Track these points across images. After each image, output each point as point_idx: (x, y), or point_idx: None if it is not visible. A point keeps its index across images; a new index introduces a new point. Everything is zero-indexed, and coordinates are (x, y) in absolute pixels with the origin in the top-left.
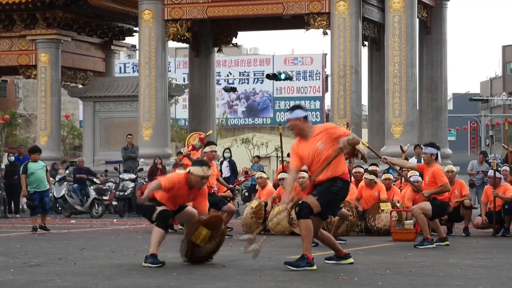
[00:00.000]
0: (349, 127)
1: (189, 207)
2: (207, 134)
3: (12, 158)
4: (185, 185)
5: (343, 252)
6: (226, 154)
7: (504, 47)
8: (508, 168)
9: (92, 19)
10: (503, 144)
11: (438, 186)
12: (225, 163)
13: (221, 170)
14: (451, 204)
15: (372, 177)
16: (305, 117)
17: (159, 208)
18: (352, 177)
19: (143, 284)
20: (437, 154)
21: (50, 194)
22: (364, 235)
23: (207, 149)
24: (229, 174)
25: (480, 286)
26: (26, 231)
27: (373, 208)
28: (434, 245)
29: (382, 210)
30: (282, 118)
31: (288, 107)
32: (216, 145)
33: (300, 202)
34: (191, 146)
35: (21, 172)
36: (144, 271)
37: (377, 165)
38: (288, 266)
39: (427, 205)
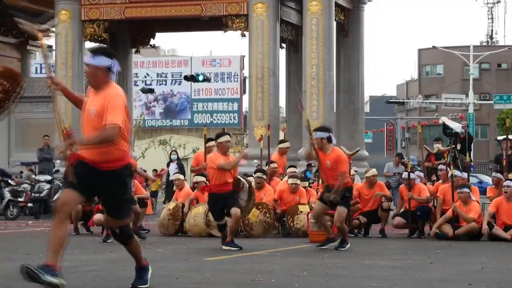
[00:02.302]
0: (270, 129)
1: None
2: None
3: None
4: None
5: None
6: (173, 156)
7: (420, 50)
8: (444, 167)
9: (8, 19)
10: (424, 146)
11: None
12: (173, 165)
13: (168, 173)
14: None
15: (296, 180)
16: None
17: None
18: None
19: None
20: (328, 137)
21: None
22: (281, 237)
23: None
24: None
25: (396, 287)
26: None
27: (292, 209)
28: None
29: (301, 212)
30: (200, 120)
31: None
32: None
33: None
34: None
35: None
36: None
37: (295, 167)
38: None
39: (342, 211)
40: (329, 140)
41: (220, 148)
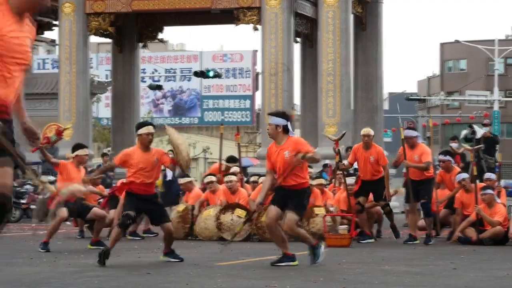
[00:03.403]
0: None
1: None
2: (66, 127)
3: None
4: None
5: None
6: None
7: (442, 45)
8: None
9: None
10: (450, 145)
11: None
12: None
13: (165, 174)
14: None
15: (311, 182)
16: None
17: None
18: None
19: None
20: (285, 126)
21: None
22: (297, 241)
23: (80, 152)
24: (172, 178)
25: None
26: None
27: (307, 212)
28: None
29: (317, 215)
30: (210, 118)
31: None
32: (87, 147)
33: None
34: (46, 139)
35: None
36: (63, 278)
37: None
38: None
39: (292, 217)
40: (285, 129)
41: (140, 141)
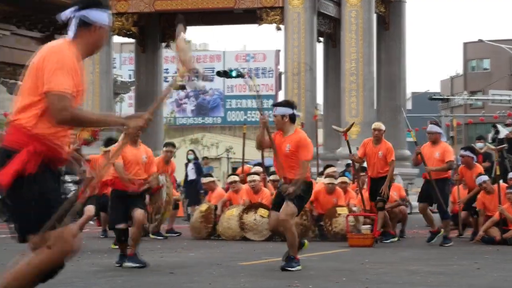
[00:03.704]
0: (304, 127)
1: None
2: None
3: None
4: None
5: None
6: (190, 156)
7: (465, 44)
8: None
9: (33, 12)
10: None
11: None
12: (190, 165)
13: (186, 173)
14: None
15: (332, 180)
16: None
17: None
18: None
19: None
20: (292, 115)
21: None
22: (319, 241)
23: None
24: (194, 177)
25: None
26: None
27: (329, 212)
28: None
29: (339, 214)
30: (233, 118)
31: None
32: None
33: None
34: (82, 140)
35: None
36: (87, 277)
37: (333, 166)
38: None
39: (290, 208)
40: (292, 118)
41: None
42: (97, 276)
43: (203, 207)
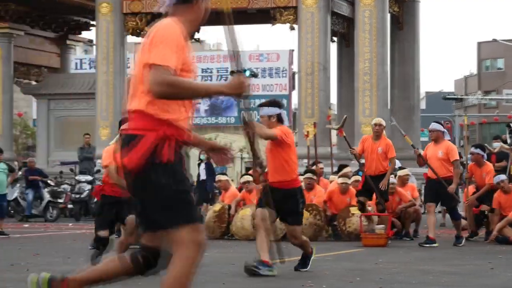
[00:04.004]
0: (316, 127)
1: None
2: None
3: None
4: None
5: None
6: (202, 156)
7: (479, 44)
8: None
9: (47, 12)
10: (485, 144)
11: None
12: (202, 165)
13: (199, 173)
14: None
15: (346, 180)
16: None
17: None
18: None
19: None
20: (279, 115)
21: None
22: (333, 240)
23: None
24: (205, 177)
25: None
26: None
27: (343, 212)
28: None
29: (353, 214)
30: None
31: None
32: None
33: None
34: None
35: None
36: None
37: (348, 166)
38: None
39: (261, 211)
40: (280, 119)
41: None
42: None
43: (217, 206)
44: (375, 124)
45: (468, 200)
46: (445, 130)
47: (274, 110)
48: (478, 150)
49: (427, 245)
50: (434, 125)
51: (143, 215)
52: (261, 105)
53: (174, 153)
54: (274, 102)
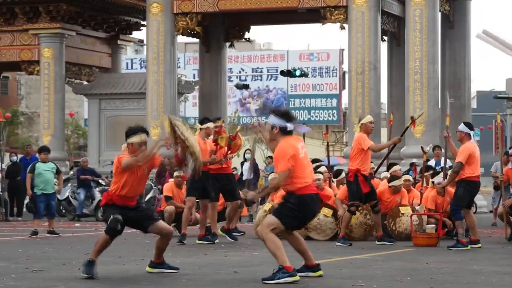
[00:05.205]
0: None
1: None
2: (237, 130)
3: (15, 158)
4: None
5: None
6: (247, 155)
7: None
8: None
9: (98, 12)
10: None
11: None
12: (247, 165)
13: (242, 173)
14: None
15: (397, 183)
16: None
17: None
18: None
19: None
20: (283, 128)
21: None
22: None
23: (209, 124)
24: (251, 177)
25: None
26: (28, 235)
27: (393, 212)
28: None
29: (403, 214)
30: (297, 117)
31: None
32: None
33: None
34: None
35: (28, 171)
36: (151, 277)
37: (397, 164)
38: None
39: (268, 219)
40: (283, 131)
41: (131, 151)
42: (161, 275)
43: (267, 206)
44: (372, 122)
45: (504, 204)
46: (471, 132)
47: (278, 122)
48: None
49: (454, 249)
50: (460, 126)
51: None
52: (271, 111)
53: None
54: (283, 114)
